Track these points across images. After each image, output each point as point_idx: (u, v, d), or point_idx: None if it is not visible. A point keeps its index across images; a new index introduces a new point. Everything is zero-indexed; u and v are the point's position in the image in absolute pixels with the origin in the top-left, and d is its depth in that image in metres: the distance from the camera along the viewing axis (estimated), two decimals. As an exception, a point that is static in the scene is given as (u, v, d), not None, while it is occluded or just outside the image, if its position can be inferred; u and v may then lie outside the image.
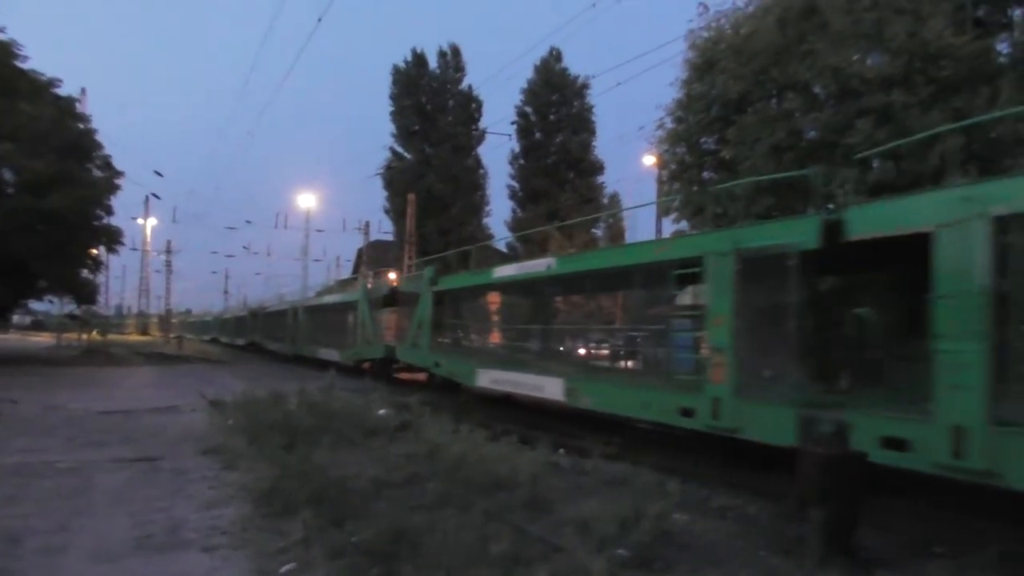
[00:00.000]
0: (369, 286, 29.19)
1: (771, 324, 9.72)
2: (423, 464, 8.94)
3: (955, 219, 7.30)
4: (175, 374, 28.26)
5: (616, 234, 43.58)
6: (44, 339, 63.99)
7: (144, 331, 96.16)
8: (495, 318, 20.38)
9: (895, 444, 7.50)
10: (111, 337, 57.45)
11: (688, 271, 10.96)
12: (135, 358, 40.13)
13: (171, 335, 73.26)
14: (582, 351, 15.94)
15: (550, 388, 14.23)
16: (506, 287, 18.47)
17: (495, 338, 20.02)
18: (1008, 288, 6.90)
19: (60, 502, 7.68)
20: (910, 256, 7.81)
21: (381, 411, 13.55)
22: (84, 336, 48.68)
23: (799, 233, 9.31)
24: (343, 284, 48.34)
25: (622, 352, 15.76)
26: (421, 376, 22.41)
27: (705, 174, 17.90)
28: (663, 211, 21.74)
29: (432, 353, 20.07)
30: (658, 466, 9.91)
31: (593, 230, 43.80)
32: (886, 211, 8.52)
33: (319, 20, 18.58)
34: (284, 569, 5.54)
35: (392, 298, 24.91)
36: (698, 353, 11.07)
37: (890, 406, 8.28)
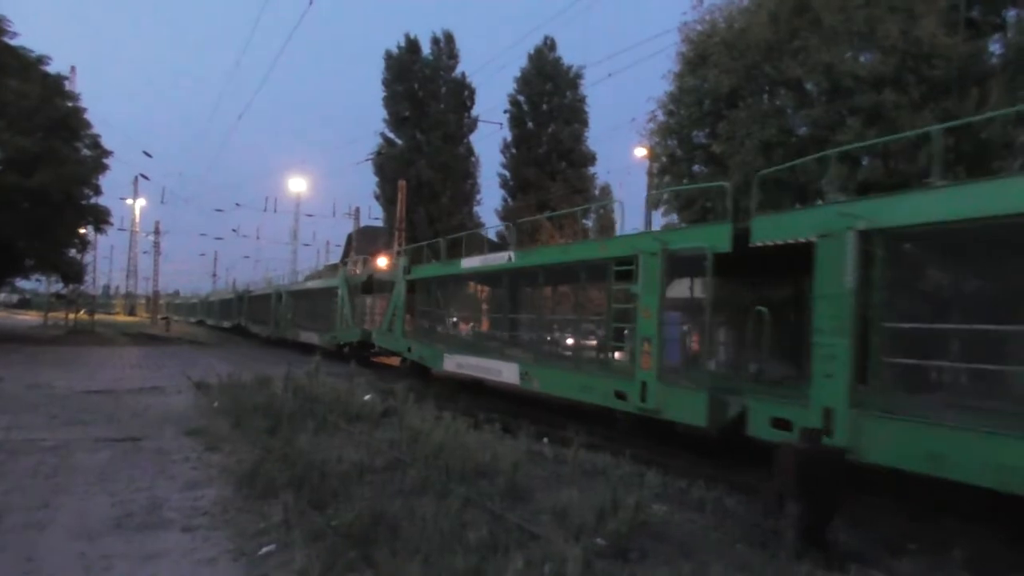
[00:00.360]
0: (358, 271, 29.76)
1: (690, 317, 11.52)
2: (405, 450, 8.97)
3: (831, 231, 8.41)
4: (161, 355, 28.15)
5: (606, 225, 43.62)
6: (31, 318, 63.67)
7: (132, 312, 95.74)
8: (461, 306, 21.35)
9: (782, 424, 8.71)
10: (98, 317, 57.10)
11: (624, 268, 12.04)
12: (121, 338, 40.01)
13: (159, 316, 72.98)
14: (535, 339, 17.06)
15: (507, 373, 15.51)
16: (472, 277, 19.56)
17: (461, 325, 21.03)
18: (868, 291, 8.07)
19: (41, 480, 7.67)
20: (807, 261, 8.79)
21: (366, 397, 13.57)
22: (71, 316, 48.40)
23: (714, 238, 10.38)
24: (331, 269, 48.33)
25: (569, 340, 16.83)
26: (395, 360, 23.19)
27: (695, 168, 17.97)
28: (653, 204, 21.80)
29: (405, 338, 21.33)
30: (638, 457, 9.99)
31: (584, 221, 43.83)
32: (782, 222, 9.63)
33: (310, 2, 18.43)
34: (263, 551, 5.56)
35: (369, 285, 26.01)
36: (631, 342, 12.09)
37: (780, 391, 9.68)
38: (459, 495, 6.82)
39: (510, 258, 16.47)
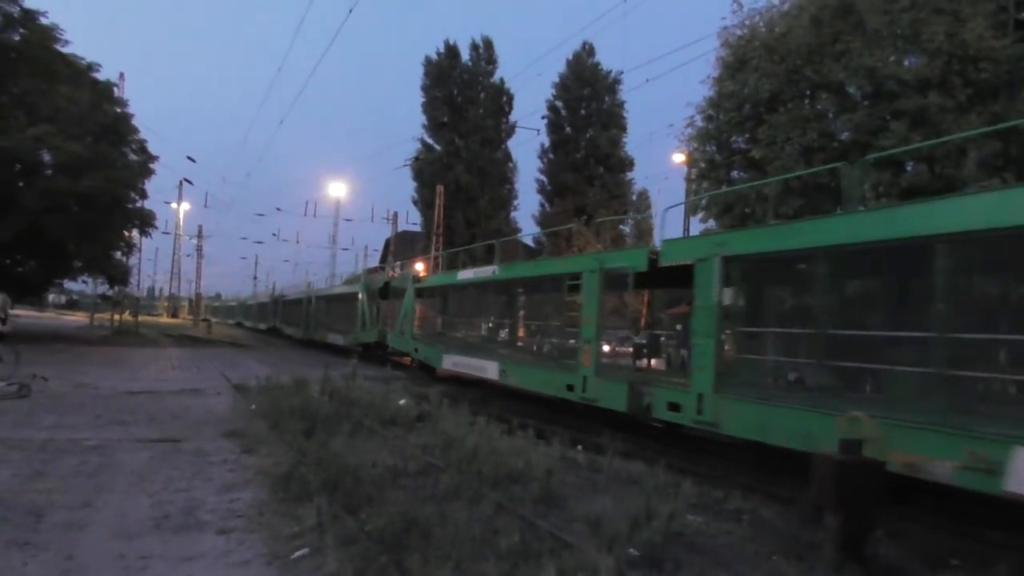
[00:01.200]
0: (396, 275, 31.34)
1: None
2: (439, 455, 8.98)
3: (705, 256, 10.83)
4: (201, 357, 28.62)
5: (644, 230, 43.37)
6: (78, 318, 65.18)
7: (175, 314, 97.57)
8: (458, 312, 23.46)
9: (674, 407, 11.24)
10: (142, 319, 58.30)
11: (574, 282, 14.56)
12: (164, 340, 40.79)
13: (200, 319, 74.33)
14: (511, 341, 20.00)
15: (490, 370, 17.84)
16: (465, 287, 21.78)
17: (456, 329, 23.12)
18: (728, 304, 10.80)
19: (84, 479, 7.82)
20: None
21: (401, 401, 13.64)
22: (116, 317, 49.47)
23: (635, 260, 12.99)
24: (370, 272, 49.27)
25: (537, 342, 19.11)
26: (407, 360, 25.83)
27: (734, 173, 17.78)
28: (691, 210, 21.63)
29: (413, 340, 24.08)
30: (673, 466, 9.89)
31: (621, 227, 43.64)
32: (678, 248, 12.29)
33: (350, 11, 18.64)
34: (296, 554, 5.60)
35: (385, 291, 28.56)
36: (577, 343, 14.38)
37: (676, 383, 12.10)
38: (491, 501, 6.80)
39: (495, 271, 19.18)
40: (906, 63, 14.56)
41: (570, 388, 14.02)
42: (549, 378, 15.33)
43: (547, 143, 47.58)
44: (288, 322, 49.32)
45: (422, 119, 48.12)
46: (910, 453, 7.52)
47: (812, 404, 8.98)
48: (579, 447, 11.31)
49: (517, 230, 46.06)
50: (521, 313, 20.39)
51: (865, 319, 10.51)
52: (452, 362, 20.31)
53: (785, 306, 12.47)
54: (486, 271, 20.15)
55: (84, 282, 45.99)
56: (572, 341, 14.67)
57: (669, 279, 13.24)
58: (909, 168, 14.37)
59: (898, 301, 10.23)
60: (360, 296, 30.89)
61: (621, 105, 47.39)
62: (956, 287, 8.07)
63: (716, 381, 10.42)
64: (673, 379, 12.86)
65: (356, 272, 52.80)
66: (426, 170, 46.89)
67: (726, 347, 11.09)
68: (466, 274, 21.37)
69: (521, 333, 20.14)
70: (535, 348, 18.86)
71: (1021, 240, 7.30)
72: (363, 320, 30.13)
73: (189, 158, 71.86)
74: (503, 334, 20.66)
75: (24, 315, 52.51)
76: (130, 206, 33.22)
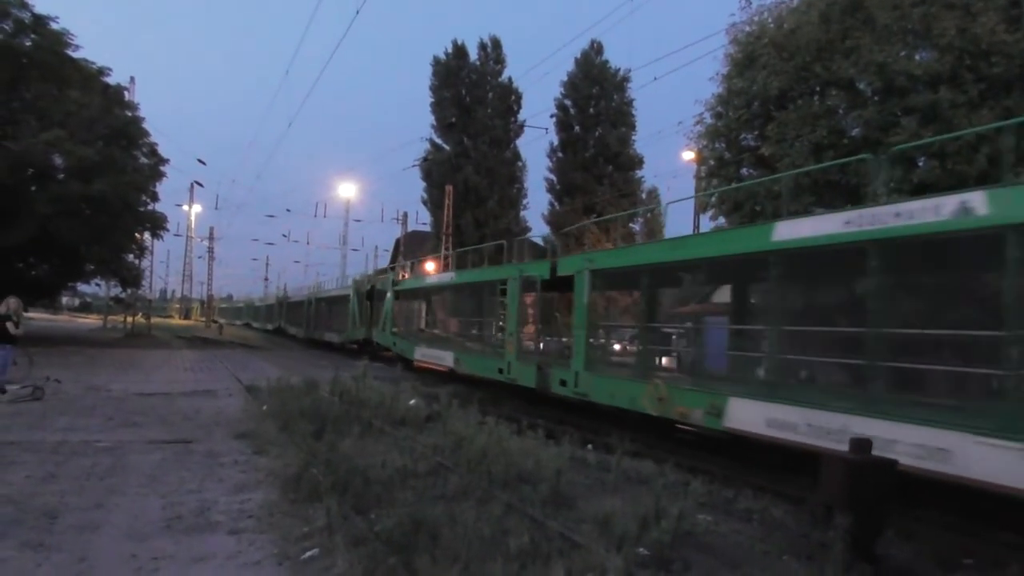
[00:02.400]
0: (406, 276, 32.59)
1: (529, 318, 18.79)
2: (448, 455, 8.99)
3: (580, 269, 14.90)
4: (213, 358, 28.78)
5: (654, 229, 43.20)
6: (91, 321, 65.66)
7: (187, 315, 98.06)
8: (425, 311, 27.50)
9: (563, 383, 14.89)
10: (155, 321, 58.67)
11: (503, 286, 18.58)
12: (176, 341, 41.03)
13: (211, 320, 74.78)
14: (463, 334, 23.52)
15: (447, 359, 21.65)
16: (431, 290, 26.21)
17: (424, 325, 27.06)
18: (592, 304, 14.88)
19: (96, 481, 7.87)
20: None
21: (411, 401, 13.66)
22: (129, 319, 49.79)
23: (542, 270, 17.11)
24: (380, 273, 50.13)
25: (481, 334, 22.35)
26: (390, 353, 29.02)
27: (744, 171, 17.70)
28: (701, 207, 21.57)
29: (392, 336, 27.86)
30: (683, 465, 9.88)
31: (631, 225, 43.50)
32: (566, 263, 16.32)
33: (357, 12, 18.67)
34: (306, 555, 5.62)
35: (371, 294, 32.13)
36: (504, 335, 18.46)
37: (564, 362, 15.59)
38: (501, 501, 6.80)
39: (453, 277, 23.98)
40: (917, 58, 14.45)
41: (500, 371, 17.69)
42: (487, 364, 18.95)
43: (556, 142, 47.41)
44: (291, 322, 53.44)
45: (430, 119, 48.10)
46: (683, 406, 11.39)
47: (635, 377, 13.49)
48: (589, 447, 11.31)
49: (527, 229, 45.94)
50: (470, 311, 23.42)
51: (666, 317, 15.61)
52: (421, 354, 24.09)
53: (626, 306, 17.56)
54: (447, 276, 25.26)
55: (97, 285, 46.41)
56: (500, 334, 18.84)
57: (562, 285, 16.50)
58: (921, 164, 14.27)
59: (682, 303, 15.63)
60: (351, 298, 34.61)
61: (630, 103, 47.12)
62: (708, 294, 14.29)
63: (586, 361, 14.41)
64: (562, 361, 15.97)
65: (366, 273, 53.58)
66: (435, 170, 46.87)
67: (590, 338, 14.95)
68: (432, 279, 26.62)
69: (469, 327, 23.49)
70: (478, 340, 22.09)
71: (740, 262, 11.44)
72: (353, 320, 33.84)
73: (199, 160, 71.95)
74: (457, 329, 24.44)
75: (38, 318, 52.92)
76: (141, 209, 33.44)
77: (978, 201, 7.61)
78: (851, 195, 14.40)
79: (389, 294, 28.48)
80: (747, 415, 10.09)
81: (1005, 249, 7.30)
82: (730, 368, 12.58)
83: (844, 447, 7.09)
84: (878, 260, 8.69)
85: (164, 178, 35.02)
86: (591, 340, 14.91)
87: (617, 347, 20.70)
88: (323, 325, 41.96)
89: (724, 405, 10.39)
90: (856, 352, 9.12)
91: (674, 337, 15.75)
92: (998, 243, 7.39)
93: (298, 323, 50.15)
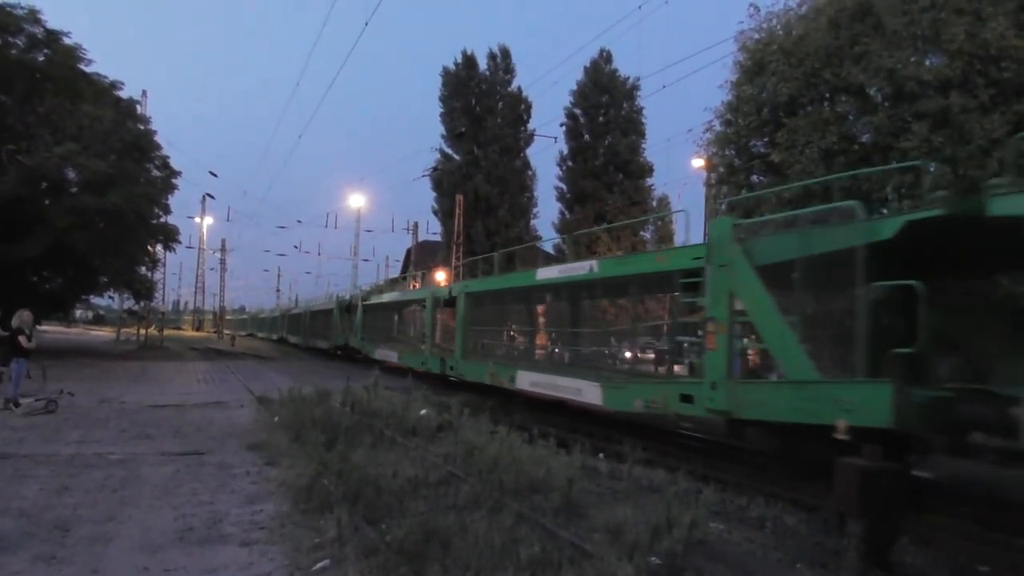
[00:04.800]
0: (416, 286, 35.70)
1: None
2: (459, 465, 8.98)
3: (461, 292, 20.86)
4: (225, 369, 28.88)
5: (665, 236, 43.08)
6: (104, 333, 65.98)
7: (199, 327, 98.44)
8: (385, 320, 32.99)
9: (451, 368, 20.67)
10: (168, 332, 58.94)
11: (423, 304, 25.17)
12: (189, 353, 41.19)
13: (224, 332, 75.13)
14: (409, 338, 28.99)
15: (394, 357, 27.54)
16: (384, 304, 32.70)
17: (385, 332, 32.48)
18: (467, 315, 20.55)
19: (109, 493, 7.92)
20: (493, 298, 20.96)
21: (423, 411, 13.65)
22: (142, 331, 50.03)
23: (444, 292, 23.09)
24: (391, 283, 51.53)
25: (412, 338, 28.21)
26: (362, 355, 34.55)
27: (754, 177, 17.63)
28: (712, 215, 21.52)
29: (362, 341, 34.07)
30: (695, 473, 9.83)
31: (642, 233, 43.42)
32: (456, 287, 21.89)
33: (366, 24, 18.79)
34: (317, 566, 5.62)
35: (349, 307, 37.70)
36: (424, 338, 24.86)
37: (452, 355, 21.12)
38: (512, 511, 6.78)
39: (400, 294, 32.50)
40: (927, 64, 14.36)
41: (422, 363, 23.87)
42: (415, 359, 25.01)
43: (566, 150, 47.40)
44: (292, 332, 60.42)
45: (440, 129, 48.27)
46: (501, 378, 17.38)
47: (482, 361, 19.36)
48: (601, 455, 11.28)
49: (537, 238, 45.91)
50: (413, 320, 29.18)
51: (507, 323, 22.12)
52: (379, 353, 29.98)
53: (486, 317, 21.78)
54: (394, 294, 33.05)
55: (110, 297, 46.66)
56: (422, 337, 25.41)
57: (452, 304, 22.00)
58: (932, 169, 14.17)
59: (515, 316, 21.69)
60: (335, 310, 40.89)
61: (640, 111, 47.09)
62: (527, 310, 20.72)
63: (462, 353, 20.51)
64: (452, 354, 21.37)
65: (377, 283, 54.26)
66: (445, 180, 46.97)
67: (465, 338, 20.77)
68: (384, 296, 33.80)
69: (413, 332, 29.20)
70: (410, 342, 28.06)
71: (525, 290, 18.81)
72: (335, 328, 40.08)
73: (211, 173, 72.48)
74: (398, 334, 30.83)
75: (51, 331, 53.27)
76: (154, 221, 33.58)
77: (594, 266, 14.93)
78: (864, 201, 14.31)
79: (360, 308, 35.17)
80: (522, 380, 16.58)
81: (597, 289, 16.20)
82: (518, 354, 20.54)
83: (553, 393, 15.19)
84: (568, 292, 17.38)
85: (176, 190, 35.16)
86: (466, 339, 20.84)
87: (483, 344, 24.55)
88: (316, 334, 48.35)
89: (515, 375, 16.88)
90: (560, 343, 18.98)
91: (504, 336, 22.65)
92: (598, 287, 15.74)
93: (297, 333, 57.08)
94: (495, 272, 21.56)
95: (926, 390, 8.00)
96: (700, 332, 11.41)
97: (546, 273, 16.75)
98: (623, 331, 16.92)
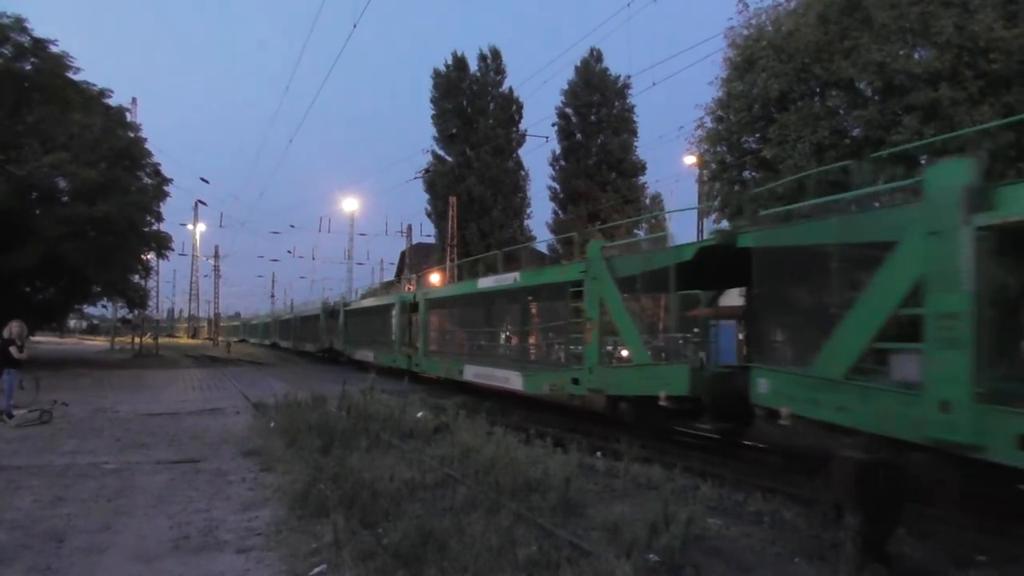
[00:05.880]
0: (412, 289, 34.91)
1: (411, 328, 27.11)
2: (456, 466, 8.95)
3: (418, 300, 25.95)
4: (221, 376, 28.80)
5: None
6: (99, 343, 65.81)
7: (194, 334, 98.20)
8: (363, 324, 35.88)
9: (417, 364, 25.33)
10: (162, 340, 58.81)
11: (393, 309, 28.98)
12: (184, 360, 41.10)
13: (220, 338, 75.00)
14: (380, 341, 31.72)
15: (370, 357, 31.40)
16: (361, 309, 37.09)
17: (363, 334, 35.31)
18: (426, 319, 25.25)
19: (104, 503, 7.87)
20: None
21: (419, 414, 13.62)
22: (136, 340, 49.90)
23: (409, 298, 27.14)
24: (385, 287, 52.50)
25: (384, 339, 31.00)
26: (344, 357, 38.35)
27: (746, 173, 17.63)
28: (705, 212, 21.53)
29: (344, 343, 37.71)
30: (693, 469, 9.82)
31: (636, 231, 43.44)
32: (419, 294, 26.46)
33: (354, 26, 18.76)
34: (314, 571, 5.59)
35: (333, 312, 41.28)
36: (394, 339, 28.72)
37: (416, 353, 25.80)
38: (509, 511, 6.76)
39: (373, 300, 36.86)
40: (916, 57, 14.38)
41: (393, 361, 27.62)
42: (387, 358, 28.62)
43: (558, 150, 47.37)
44: (283, 337, 64.26)
45: (432, 131, 48.24)
46: (455, 373, 21.15)
47: (440, 359, 23.25)
48: (598, 454, 11.26)
49: (531, 238, 45.89)
50: (379, 325, 32.32)
51: (457, 325, 24.36)
52: (359, 355, 34.00)
53: (441, 320, 25.33)
54: (369, 301, 38.72)
55: (104, 306, 46.56)
56: (392, 339, 28.97)
57: (416, 309, 26.10)
58: (923, 162, 14.19)
59: (463, 318, 23.73)
60: (320, 316, 44.89)
61: (631, 109, 47.08)
62: (471, 314, 22.88)
63: (424, 352, 24.59)
64: (415, 353, 25.58)
65: (372, 286, 54.66)
66: (438, 182, 46.91)
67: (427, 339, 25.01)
68: (362, 302, 39.81)
69: (383, 334, 31.68)
70: (383, 344, 30.71)
71: (471, 297, 21.83)
72: (322, 333, 43.69)
73: (203, 179, 72.39)
74: (373, 336, 33.19)
75: (45, 341, 53.13)
76: (146, 229, 33.43)
77: (516, 277, 18.46)
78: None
79: (342, 313, 38.83)
80: (468, 373, 20.41)
81: (519, 296, 19.12)
82: (465, 351, 22.78)
83: (491, 383, 18.84)
84: (500, 298, 20.21)
85: (168, 198, 35.00)
86: (427, 340, 24.98)
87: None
88: (305, 338, 51.99)
89: (463, 369, 20.74)
90: (495, 340, 21.99)
91: (454, 336, 25.24)
92: (520, 294, 18.89)
93: (287, 337, 61.09)
94: (452, 280, 28.57)
95: (711, 368, 12.67)
96: (584, 329, 14.64)
97: (485, 282, 20.56)
98: (537, 329, 19.71)
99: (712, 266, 12.08)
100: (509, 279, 18.91)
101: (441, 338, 25.31)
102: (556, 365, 16.76)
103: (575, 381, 14.54)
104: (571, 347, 15.86)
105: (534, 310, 19.44)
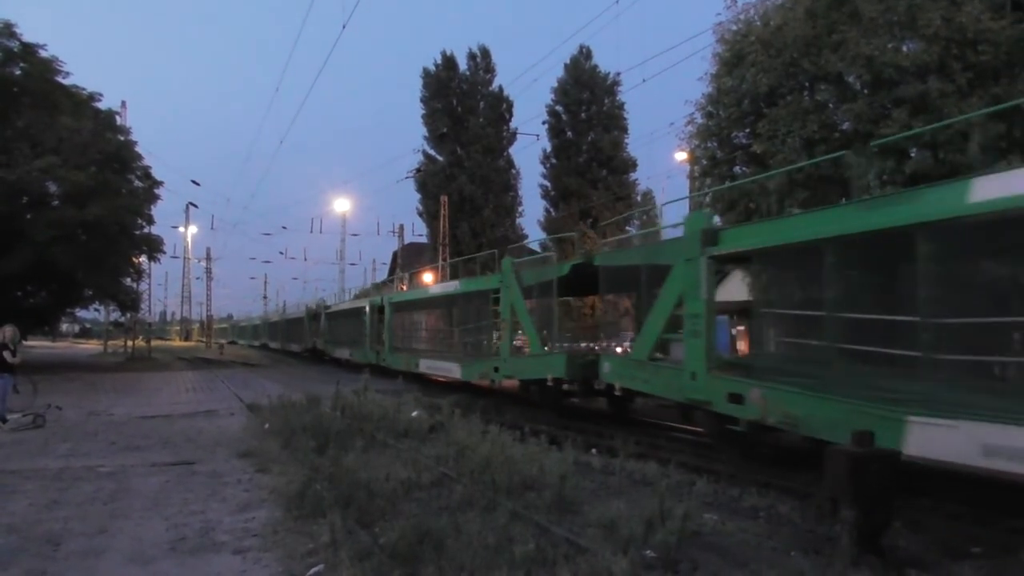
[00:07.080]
0: (404, 288, 37.50)
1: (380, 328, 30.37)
2: (452, 465, 8.96)
3: (386, 304, 29.70)
4: (214, 378, 28.75)
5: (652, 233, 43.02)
6: (91, 346, 65.55)
7: (187, 337, 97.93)
8: (341, 325, 38.73)
9: (384, 360, 28.41)
10: (155, 343, 58.64)
11: (365, 312, 32.08)
12: (177, 363, 41.00)
13: (213, 341, 74.82)
14: (355, 340, 33.98)
15: (345, 354, 34.96)
16: (339, 312, 40.13)
17: (341, 334, 38.09)
18: (392, 320, 29.55)
19: (99, 506, 7.84)
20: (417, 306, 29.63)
21: (413, 413, 13.61)
22: (129, 343, 49.72)
23: (380, 302, 30.45)
24: (377, 287, 53.47)
25: (358, 339, 33.50)
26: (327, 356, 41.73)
27: (737, 169, 17.67)
28: (695, 207, 21.58)
29: (325, 343, 41.19)
30: (688, 465, 9.85)
31: (628, 228, 43.48)
32: (388, 298, 30.32)
33: (343, 27, 18.73)
34: (311, 571, 5.59)
35: (316, 314, 45.05)
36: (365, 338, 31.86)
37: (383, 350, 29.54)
38: (505, 509, 6.77)
39: (347, 304, 40.40)
40: (904, 50, 14.43)
41: (371, 359, 29.15)
42: (361, 355, 30.92)
43: (549, 148, 47.38)
44: (271, 338, 67.92)
45: (423, 131, 48.15)
46: (413, 366, 24.78)
47: (404, 354, 26.68)
48: (593, 451, 11.29)
49: (523, 236, 45.86)
50: (354, 326, 34.66)
51: (414, 325, 29.70)
52: (338, 353, 37.18)
53: (403, 321, 28.89)
54: (345, 304, 41.92)
55: (96, 310, 46.34)
56: (365, 339, 31.62)
57: (383, 311, 29.28)
58: (913, 154, 14.24)
59: (419, 319, 29.67)
60: (305, 318, 48.72)
61: (621, 106, 47.10)
62: (425, 316, 29.87)
63: (389, 349, 28.12)
64: (383, 350, 28.91)
65: (365, 287, 54.95)
66: (429, 181, 46.85)
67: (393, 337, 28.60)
68: (339, 306, 42.34)
69: (358, 335, 33.80)
70: (357, 343, 33.15)
71: (432, 300, 27.10)
72: (305, 333, 47.53)
73: (193, 182, 72.18)
74: (349, 336, 35.48)
75: (38, 346, 52.83)
76: (137, 232, 33.34)
77: (458, 284, 22.92)
78: (845, 189, 14.38)
79: (323, 315, 42.53)
80: (422, 366, 23.69)
81: (459, 300, 22.88)
82: (420, 347, 26.48)
83: (439, 373, 23.50)
84: (445, 302, 24.71)
85: (159, 200, 34.86)
86: (392, 338, 28.70)
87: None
88: (291, 339, 55.69)
89: (419, 362, 24.23)
90: (441, 337, 26.15)
91: (412, 334, 29.88)
92: (459, 298, 22.85)
93: (276, 338, 64.81)
94: (410, 285, 32.50)
95: (583, 357, 15.94)
96: (501, 328, 18.84)
97: (435, 288, 26.21)
98: (471, 328, 22.02)
99: (582, 279, 15.69)
100: (452, 286, 23.66)
101: (402, 336, 29.81)
102: (484, 357, 20.17)
103: (496, 369, 18.49)
104: (493, 342, 20.10)
105: (470, 312, 22.16)
